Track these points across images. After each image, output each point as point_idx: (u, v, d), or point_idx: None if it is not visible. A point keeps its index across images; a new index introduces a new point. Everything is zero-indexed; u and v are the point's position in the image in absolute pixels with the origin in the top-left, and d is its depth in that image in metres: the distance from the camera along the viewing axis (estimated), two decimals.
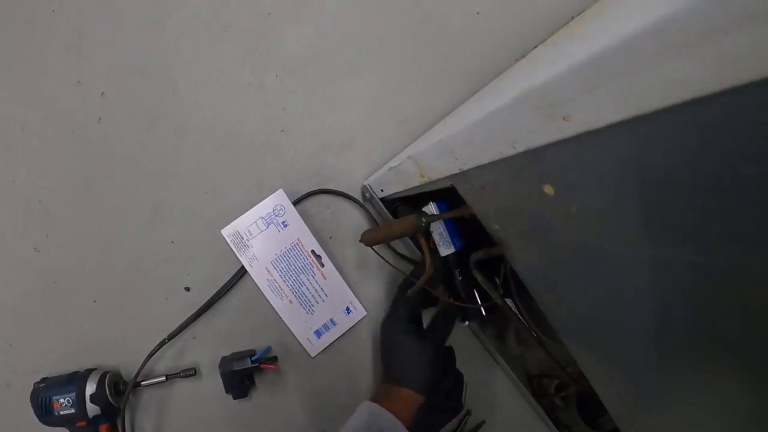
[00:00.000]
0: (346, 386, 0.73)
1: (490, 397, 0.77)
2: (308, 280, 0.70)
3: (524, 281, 0.42)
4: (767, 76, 0.14)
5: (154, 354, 0.68)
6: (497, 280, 0.58)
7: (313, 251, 0.69)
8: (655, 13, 0.16)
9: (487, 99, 0.38)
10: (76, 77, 0.68)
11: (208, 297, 0.70)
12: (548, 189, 0.30)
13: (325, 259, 0.70)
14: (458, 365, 0.69)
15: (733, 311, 0.21)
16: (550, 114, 0.25)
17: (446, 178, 0.43)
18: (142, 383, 0.69)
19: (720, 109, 0.16)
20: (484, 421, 0.78)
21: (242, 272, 0.70)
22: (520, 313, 0.58)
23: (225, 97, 0.70)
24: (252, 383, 0.70)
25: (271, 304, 0.70)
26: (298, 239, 0.69)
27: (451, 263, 0.62)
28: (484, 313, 0.63)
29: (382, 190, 0.64)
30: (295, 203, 0.69)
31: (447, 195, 0.57)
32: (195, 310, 0.70)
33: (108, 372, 0.68)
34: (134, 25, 0.69)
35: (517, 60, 0.71)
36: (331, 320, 0.71)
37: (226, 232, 0.68)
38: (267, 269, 0.69)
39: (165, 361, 0.71)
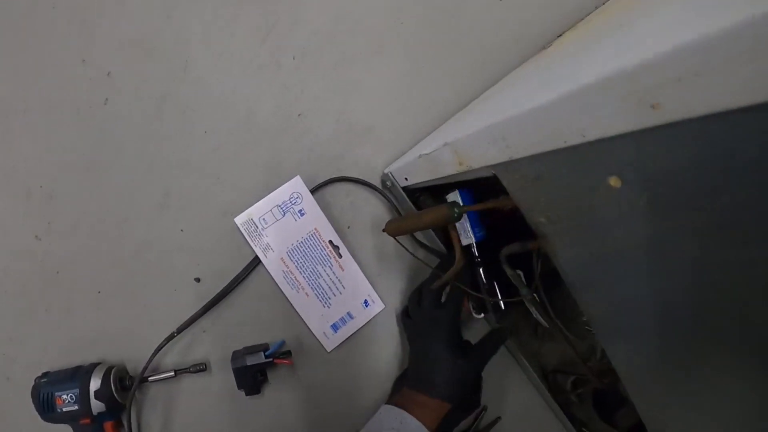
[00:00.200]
0: (364, 383, 0.72)
1: (504, 393, 0.78)
2: (325, 271, 0.69)
3: (564, 275, 0.42)
4: None
5: (162, 348, 0.67)
6: (521, 274, 0.58)
7: (330, 242, 0.68)
8: None
9: (540, 84, 0.37)
10: (81, 56, 0.66)
11: (220, 288, 0.69)
12: (614, 181, 0.30)
13: (343, 249, 0.69)
14: None
15: None
16: (637, 101, 0.24)
17: (488, 167, 0.42)
18: (150, 378, 0.68)
19: None
20: (499, 417, 0.78)
21: (256, 263, 0.69)
22: (545, 308, 0.58)
23: (239, 78, 0.68)
24: (265, 379, 0.69)
25: (285, 297, 0.69)
26: (316, 229, 0.68)
27: (471, 255, 0.62)
28: (503, 306, 0.63)
29: (406, 179, 0.63)
30: (313, 191, 0.68)
31: (470, 183, 0.56)
32: (205, 302, 0.68)
33: (113, 366, 0.67)
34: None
35: (543, 48, 0.71)
36: (348, 314, 0.70)
37: (240, 220, 0.67)
38: (282, 260, 0.68)
39: (173, 356, 0.70)
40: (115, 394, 0.65)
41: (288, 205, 0.67)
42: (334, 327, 0.70)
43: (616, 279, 0.35)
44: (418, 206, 0.68)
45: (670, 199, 0.26)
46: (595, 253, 0.36)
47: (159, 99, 0.67)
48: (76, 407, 0.64)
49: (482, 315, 0.66)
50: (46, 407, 0.64)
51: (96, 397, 0.64)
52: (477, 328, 0.74)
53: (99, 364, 0.67)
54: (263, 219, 0.67)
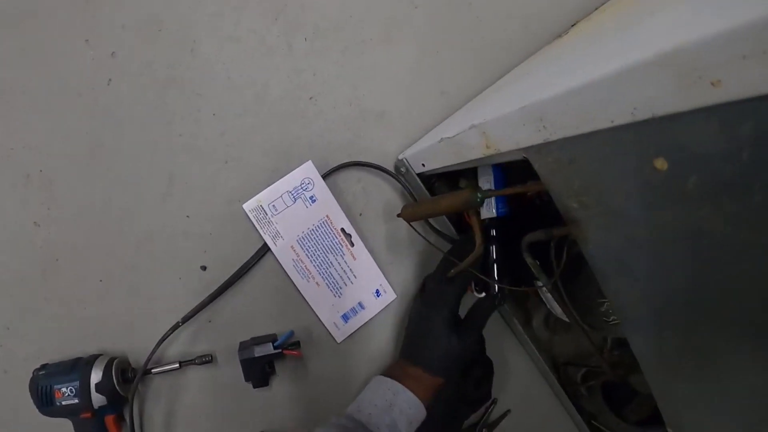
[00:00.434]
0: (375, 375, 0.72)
1: (514, 386, 0.79)
2: (336, 260, 0.69)
3: (592, 263, 0.42)
4: None
5: (166, 338, 0.67)
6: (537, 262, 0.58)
7: (342, 229, 0.69)
8: None
9: (579, 65, 0.38)
10: (84, 35, 0.65)
11: (227, 277, 0.68)
12: (660, 163, 0.30)
13: (355, 237, 0.69)
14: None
15: None
16: (696, 78, 0.24)
17: (519, 150, 0.42)
18: (153, 370, 0.67)
19: None
20: (509, 411, 0.79)
21: (264, 251, 0.69)
22: (562, 298, 0.59)
23: (249, 59, 0.68)
24: (273, 371, 0.70)
25: (295, 286, 0.69)
26: (327, 216, 0.68)
27: (487, 231, 0.62)
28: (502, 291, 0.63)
29: (423, 165, 0.63)
30: (324, 177, 0.68)
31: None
32: (211, 290, 0.68)
33: (115, 358, 0.67)
34: None
35: (558, 36, 0.71)
36: (359, 303, 0.71)
37: (248, 206, 0.67)
38: (292, 248, 0.68)
39: (178, 346, 0.70)
40: (117, 387, 0.65)
41: (299, 191, 0.67)
42: (345, 317, 0.70)
43: (653, 266, 0.35)
44: (432, 193, 0.68)
45: (721, 182, 0.26)
46: (631, 238, 0.36)
47: (165, 81, 0.67)
48: (77, 401, 0.63)
49: (483, 294, 0.66)
50: (44, 401, 0.63)
51: (97, 390, 0.64)
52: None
53: (100, 355, 0.66)
54: (273, 205, 0.67)
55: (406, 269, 0.73)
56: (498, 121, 0.43)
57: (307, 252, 0.68)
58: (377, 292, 0.71)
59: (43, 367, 0.66)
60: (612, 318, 0.58)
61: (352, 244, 0.69)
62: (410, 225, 0.64)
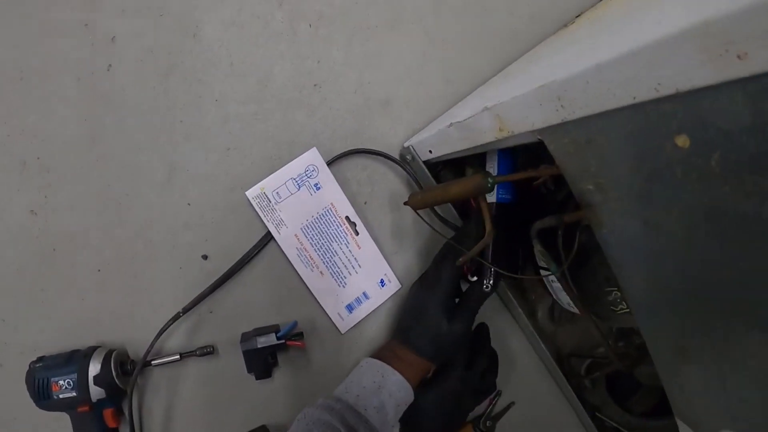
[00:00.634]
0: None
1: (518, 378, 0.80)
2: (341, 249, 0.69)
3: (606, 248, 0.42)
4: None
5: (166, 329, 0.66)
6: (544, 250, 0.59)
7: (347, 218, 0.69)
8: None
9: (597, 44, 0.38)
10: (83, 19, 0.65)
11: (229, 266, 0.68)
12: (682, 141, 0.30)
13: (360, 226, 0.69)
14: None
15: None
16: (723, 51, 0.25)
17: (533, 132, 0.43)
18: (153, 362, 0.67)
19: None
20: (513, 403, 0.80)
21: (267, 239, 0.69)
22: (569, 286, 0.60)
23: (253, 45, 0.68)
24: (275, 362, 0.70)
25: (298, 275, 0.69)
26: (332, 204, 0.68)
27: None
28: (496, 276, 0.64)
29: (430, 152, 0.64)
30: (329, 164, 0.69)
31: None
32: (213, 280, 0.68)
33: (114, 350, 0.67)
34: None
35: (565, 25, 0.72)
36: (364, 293, 0.71)
37: (252, 194, 0.67)
38: (296, 236, 0.68)
39: (178, 338, 0.70)
40: (116, 380, 0.65)
41: (303, 179, 0.67)
42: (349, 308, 0.71)
43: (671, 249, 0.35)
44: (438, 181, 0.69)
45: (745, 157, 0.26)
46: (648, 220, 0.36)
47: (166, 66, 0.67)
48: (74, 394, 0.63)
49: (475, 278, 0.66)
50: (41, 394, 0.63)
51: (95, 383, 0.64)
52: (494, 312, 0.76)
53: (98, 347, 0.66)
54: (277, 193, 0.67)
55: (410, 258, 0.74)
56: (513, 102, 0.43)
57: (311, 240, 0.68)
58: (382, 281, 0.71)
59: (40, 359, 0.65)
60: (620, 307, 0.59)
61: (357, 233, 0.70)
62: (417, 213, 0.64)
